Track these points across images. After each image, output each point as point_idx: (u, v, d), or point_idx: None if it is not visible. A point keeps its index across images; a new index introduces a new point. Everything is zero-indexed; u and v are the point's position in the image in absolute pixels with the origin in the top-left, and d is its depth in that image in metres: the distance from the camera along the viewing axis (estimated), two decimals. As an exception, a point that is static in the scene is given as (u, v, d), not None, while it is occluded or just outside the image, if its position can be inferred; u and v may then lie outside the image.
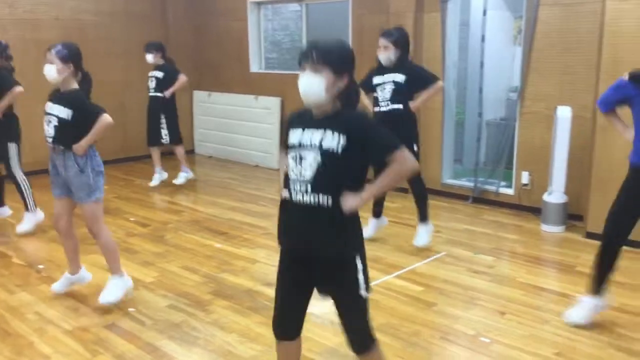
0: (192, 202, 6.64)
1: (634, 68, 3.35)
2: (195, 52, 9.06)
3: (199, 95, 9.13)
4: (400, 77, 4.68)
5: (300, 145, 2.22)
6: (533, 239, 5.22)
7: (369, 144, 2.20)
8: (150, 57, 6.86)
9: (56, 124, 3.68)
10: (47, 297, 4.07)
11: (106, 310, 3.86)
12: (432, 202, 6.36)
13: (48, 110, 3.73)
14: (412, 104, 4.77)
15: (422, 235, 4.95)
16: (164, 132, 6.97)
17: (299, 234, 2.33)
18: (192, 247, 5.11)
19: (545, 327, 3.59)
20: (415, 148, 4.75)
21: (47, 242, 5.25)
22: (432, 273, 4.47)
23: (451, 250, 4.95)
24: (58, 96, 3.74)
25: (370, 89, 4.80)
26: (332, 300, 2.41)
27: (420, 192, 4.96)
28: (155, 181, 7.16)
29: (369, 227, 5.08)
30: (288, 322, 2.51)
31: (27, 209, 5.49)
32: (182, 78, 6.93)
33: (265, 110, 8.20)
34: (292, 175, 2.25)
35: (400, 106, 4.70)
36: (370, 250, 4.95)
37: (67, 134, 3.67)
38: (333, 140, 2.16)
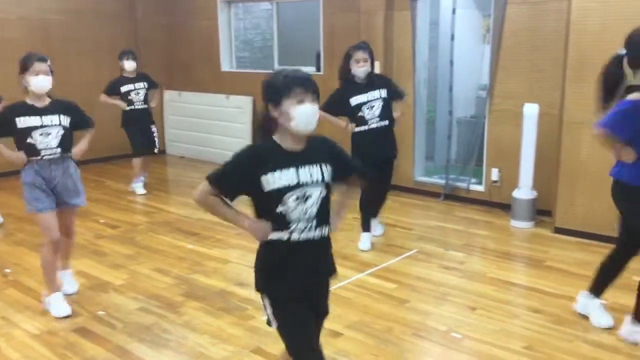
0: (164, 203, 6.57)
1: None
2: (166, 51, 8.97)
3: (169, 95, 9.03)
4: (384, 93, 4.72)
5: (301, 185, 2.17)
6: (503, 235, 5.29)
7: (340, 162, 2.33)
8: (133, 65, 6.61)
9: (62, 132, 3.70)
10: (14, 301, 3.99)
11: (75, 313, 3.80)
12: (405, 200, 6.44)
13: (45, 123, 3.66)
14: (396, 115, 4.84)
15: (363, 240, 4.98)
16: (157, 140, 6.87)
17: (307, 271, 2.30)
18: (164, 248, 5.06)
19: (515, 322, 3.64)
20: None
21: (14, 246, 5.15)
22: (404, 270, 4.50)
23: (423, 247, 4.98)
24: (51, 107, 3.70)
25: (345, 110, 4.70)
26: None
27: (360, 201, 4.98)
28: (142, 188, 6.92)
29: (378, 229, 5.21)
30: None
31: None
32: (159, 86, 6.86)
33: (237, 110, 8.16)
34: (292, 216, 2.17)
35: (387, 122, 4.76)
36: (343, 248, 4.98)
37: (69, 140, 3.76)
38: (327, 171, 2.24)
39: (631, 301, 3.84)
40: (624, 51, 3.18)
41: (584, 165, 4.95)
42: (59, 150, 3.69)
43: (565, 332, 3.48)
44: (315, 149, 2.25)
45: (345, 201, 2.53)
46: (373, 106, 4.70)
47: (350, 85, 4.72)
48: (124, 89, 6.64)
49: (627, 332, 3.38)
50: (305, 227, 2.20)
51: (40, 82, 3.60)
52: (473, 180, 6.26)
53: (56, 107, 3.72)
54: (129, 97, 6.66)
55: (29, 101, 3.67)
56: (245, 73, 8.27)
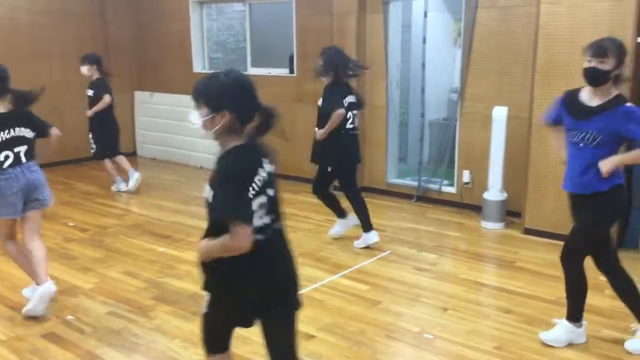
0: (134, 206, 6.49)
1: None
2: (137, 51, 8.86)
3: (140, 96, 8.93)
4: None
5: (270, 184, 2.18)
6: (474, 236, 5.35)
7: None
8: (84, 70, 6.59)
9: (26, 146, 3.69)
10: (-20, 307, 3.90)
11: (43, 319, 3.72)
12: (378, 202, 6.46)
13: (12, 135, 3.61)
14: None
15: (363, 239, 5.03)
16: (92, 146, 6.78)
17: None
18: (134, 251, 4.99)
19: (486, 322, 3.68)
20: None
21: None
22: (377, 272, 4.52)
23: (396, 248, 5.01)
24: (11, 120, 3.64)
25: (343, 106, 4.73)
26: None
27: (324, 198, 5.11)
28: (125, 186, 6.92)
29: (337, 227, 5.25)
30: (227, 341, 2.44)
31: None
32: (105, 99, 6.58)
33: (210, 111, 8.09)
34: (265, 221, 2.15)
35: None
36: (316, 250, 4.98)
37: (33, 148, 3.77)
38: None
39: (598, 302, 3.92)
40: None
41: (552, 167, 5.03)
42: (27, 159, 3.70)
43: (535, 332, 3.53)
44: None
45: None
46: (353, 110, 4.82)
47: (343, 85, 4.80)
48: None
49: (560, 334, 3.41)
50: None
51: None
52: (445, 182, 6.32)
53: (16, 120, 3.65)
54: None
55: None
56: (218, 74, 8.21)
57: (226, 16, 8.51)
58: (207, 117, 2.13)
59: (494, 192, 5.53)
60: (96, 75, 6.65)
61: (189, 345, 3.40)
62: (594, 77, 3.12)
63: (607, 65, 3.07)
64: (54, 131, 3.89)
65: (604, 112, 3.13)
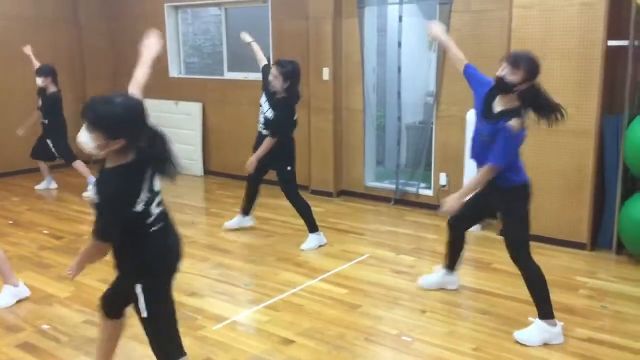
0: (111, 212, 6.41)
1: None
2: (111, 56, 8.77)
3: (116, 101, 8.83)
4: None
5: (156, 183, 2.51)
6: (452, 238, 5.38)
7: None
8: (39, 81, 6.76)
9: None
10: (-48, 318, 3.82)
11: (18, 328, 3.66)
12: (357, 205, 6.49)
13: None
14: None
15: (310, 241, 5.11)
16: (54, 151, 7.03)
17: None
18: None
19: (464, 324, 3.71)
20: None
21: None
22: (356, 275, 4.53)
23: (375, 251, 5.03)
24: None
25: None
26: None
27: (300, 206, 5.14)
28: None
29: (233, 221, 5.58)
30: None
31: None
32: (36, 115, 6.92)
33: (186, 116, 8.06)
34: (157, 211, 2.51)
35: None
36: (294, 254, 4.98)
37: None
38: None
39: (572, 301, 3.98)
40: None
41: (526, 168, 5.08)
42: None
43: (512, 333, 3.55)
44: None
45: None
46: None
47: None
48: None
49: (534, 333, 3.47)
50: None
51: None
52: (422, 184, 6.37)
53: None
54: None
55: None
56: (194, 79, 8.18)
57: (202, 20, 8.47)
58: (102, 143, 2.27)
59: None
60: (51, 88, 6.78)
61: (167, 353, 3.36)
62: (499, 86, 3.34)
63: (515, 77, 3.25)
64: None
65: (497, 121, 3.35)
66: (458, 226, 3.99)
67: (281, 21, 7.00)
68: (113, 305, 2.81)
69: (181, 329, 3.61)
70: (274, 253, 4.99)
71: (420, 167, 6.37)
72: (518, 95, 3.32)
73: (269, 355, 3.35)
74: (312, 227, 5.13)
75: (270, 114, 4.94)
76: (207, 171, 8.01)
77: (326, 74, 6.56)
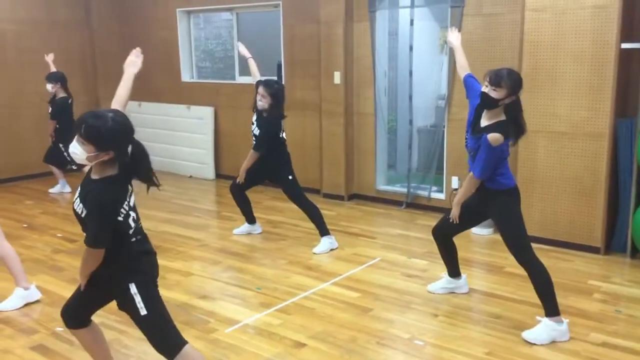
0: (124, 216, 6.46)
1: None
2: (123, 59, 8.48)
3: (129, 106, 8.76)
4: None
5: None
6: (463, 242, 5.34)
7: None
8: (49, 87, 6.94)
9: None
10: (-33, 321, 3.86)
11: (32, 330, 3.69)
12: (368, 209, 6.48)
13: None
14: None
15: (322, 244, 5.13)
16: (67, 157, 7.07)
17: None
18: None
19: (477, 328, 3.70)
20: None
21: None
22: (367, 279, 4.52)
23: (386, 255, 5.02)
24: None
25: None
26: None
27: (310, 211, 5.18)
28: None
29: (241, 228, 5.67)
30: None
31: None
32: (50, 123, 7.00)
33: (199, 120, 8.10)
34: (134, 225, 2.63)
35: None
36: (305, 258, 4.98)
37: None
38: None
39: (586, 305, 3.96)
40: None
41: (540, 172, 5.07)
42: None
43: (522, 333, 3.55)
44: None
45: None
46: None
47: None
48: None
49: (541, 332, 3.50)
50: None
51: None
52: (434, 188, 6.35)
53: None
54: None
55: None
56: (206, 83, 8.22)
57: (214, 25, 8.52)
58: (92, 154, 2.46)
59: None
60: (61, 94, 6.96)
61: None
62: (484, 102, 3.44)
63: (499, 93, 3.36)
64: None
65: (480, 135, 3.45)
66: (443, 236, 4.05)
67: (292, 25, 7.02)
68: (79, 316, 2.89)
69: (193, 332, 3.65)
70: (285, 256, 4.99)
71: (432, 170, 6.36)
72: (503, 108, 3.44)
73: (281, 359, 3.35)
74: (324, 231, 5.14)
75: (257, 131, 5.10)
76: (219, 175, 8.04)
77: (337, 77, 6.57)
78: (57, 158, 7.06)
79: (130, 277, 2.61)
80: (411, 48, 6.27)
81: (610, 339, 3.52)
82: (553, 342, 3.45)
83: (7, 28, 7.81)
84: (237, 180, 5.29)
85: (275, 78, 5.14)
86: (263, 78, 5.23)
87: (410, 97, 6.44)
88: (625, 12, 4.62)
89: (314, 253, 5.04)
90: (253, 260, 4.96)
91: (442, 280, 4.24)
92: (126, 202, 2.57)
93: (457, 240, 4.13)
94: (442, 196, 6.25)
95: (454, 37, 4.09)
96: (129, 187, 2.62)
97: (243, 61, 5.64)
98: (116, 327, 3.75)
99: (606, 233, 4.91)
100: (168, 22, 8.28)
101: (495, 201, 3.63)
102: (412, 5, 6.14)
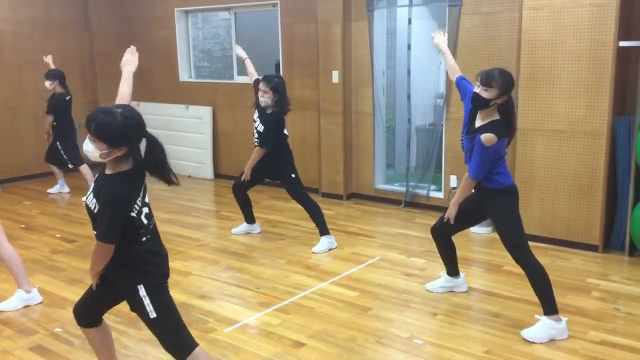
0: (122, 216, 6.45)
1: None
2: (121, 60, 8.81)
3: (127, 106, 8.88)
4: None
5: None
6: (462, 241, 5.34)
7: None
8: (47, 84, 6.93)
9: None
10: (-34, 321, 3.86)
11: (31, 331, 3.69)
12: (367, 208, 6.49)
13: None
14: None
15: (321, 243, 5.13)
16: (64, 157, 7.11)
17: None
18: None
19: (475, 326, 3.70)
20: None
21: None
22: (366, 278, 4.53)
23: (385, 254, 5.02)
24: None
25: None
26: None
27: (312, 210, 5.18)
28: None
29: (239, 227, 5.65)
30: None
31: None
32: (48, 118, 6.91)
33: (197, 120, 8.09)
34: (147, 222, 2.60)
35: None
36: (304, 257, 4.98)
37: None
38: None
39: (585, 304, 3.96)
40: None
41: (538, 170, 5.08)
42: None
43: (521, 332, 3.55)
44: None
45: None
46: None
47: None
48: None
49: (540, 331, 3.50)
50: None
51: None
52: (433, 187, 6.35)
53: None
54: None
55: None
56: (204, 83, 8.21)
57: (212, 24, 8.51)
58: (105, 151, 2.43)
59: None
60: (58, 90, 6.93)
61: (179, 356, 3.38)
62: (476, 102, 3.46)
63: (490, 93, 3.38)
64: None
65: (475, 135, 3.47)
66: (442, 235, 4.06)
67: (291, 25, 7.02)
68: (90, 315, 2.86)
69: (192, 332, 3.63)
70: (284, 256, 5.00)
71: (431, 169, 6.36)
72: (497, 108, 3.45)
73: (280, 358, 3.35)
74: (324, 230, 5.15)
75: (261, 128, 5.08)
76: (217, 174, 8.04)
77: (336, 77, 6.57)
78: (56, 157, 7.06)
79: (139, 278, 2.59)
80: (409, 47, 6.27)
81: (609, 337, 3.52)
82: (552, 340, 3.46)
83: (5, 28, 7.80)
84: (243, 178, 5.26)
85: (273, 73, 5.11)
86: (261, 75, 5.23)
87: (409, 96, 6.44)
88: (623, 10, 4.62)
89: (313, 252, 5.04)
90: (252, 260, 4.96)
91: (441, 279, 4.25)
92: (139, 198, 2.54)
93: (456, 239, 4.13)
94: (440, 195, 6.26)
95: (441, 40, 4.11)
96: (143, 183, 2.60)
97: (241, 61, 5.63)
98: (116, 327, 3.75)
99: (604, 231, 4.92)
100: (166, 22, 8.27)
101: (493, 200, 3.64)
102: (410, 4, 6.14)
